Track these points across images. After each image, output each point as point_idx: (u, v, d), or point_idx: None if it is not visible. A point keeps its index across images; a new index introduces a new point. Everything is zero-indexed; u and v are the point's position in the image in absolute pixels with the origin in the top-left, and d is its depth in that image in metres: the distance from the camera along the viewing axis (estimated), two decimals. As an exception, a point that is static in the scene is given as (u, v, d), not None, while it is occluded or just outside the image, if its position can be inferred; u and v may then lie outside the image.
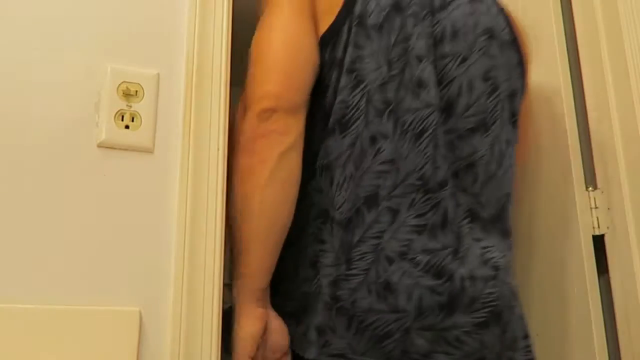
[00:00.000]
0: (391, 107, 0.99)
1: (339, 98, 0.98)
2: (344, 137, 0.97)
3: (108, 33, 0.89)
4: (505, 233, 1.03)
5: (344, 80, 0.98)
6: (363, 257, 0.94)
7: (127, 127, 0.86)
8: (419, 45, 1.02)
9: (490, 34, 1.07)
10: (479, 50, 1.06)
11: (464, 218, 1.00)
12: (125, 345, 0.79)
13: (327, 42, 1.00)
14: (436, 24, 1.05)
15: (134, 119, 0.87)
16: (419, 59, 1.01)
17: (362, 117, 0.98)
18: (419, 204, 0.97)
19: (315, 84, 0.99)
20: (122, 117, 0.86)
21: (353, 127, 0.98)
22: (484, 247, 0.99)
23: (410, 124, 0.99)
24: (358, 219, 0.95)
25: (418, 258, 0.94)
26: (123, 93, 0.87)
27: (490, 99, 1.05)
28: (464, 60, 1.05)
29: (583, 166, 1.15)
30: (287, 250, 0.97)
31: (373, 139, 0.97)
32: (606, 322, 1.09)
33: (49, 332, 0.76)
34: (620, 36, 1.12)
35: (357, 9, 1.00)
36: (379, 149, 0.97)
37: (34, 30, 0.86)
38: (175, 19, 0.93)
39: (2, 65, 0.83)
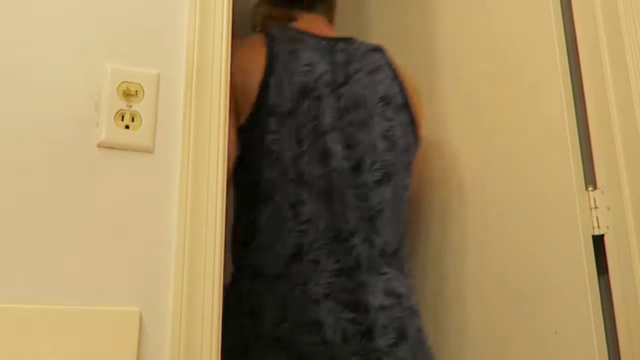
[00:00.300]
0: (304, 177, 1.20)
1: (263, 176, 1.18)
2: (269, 206, 1.18)
3: (108, 33, 0.89)
4: (401, 267, 1.25)
5: (264, 161, 1.19)
6: (296, 303, 1.15)
7: (127, 127, 0.86)
8: (326, 120, 1.24)
9: (386, 100, 1.30)
10: (378, 115, 1.28)
11: (379, 255, 1.22)
12: (125, 345, 0.79)
13: (247, 130, 1.20)
14: (341, 97, 1.27)
15: (134, 119, 0.87)
16: (325, 133, 1.23)
17: (281, 188, 1.19)
18: (336, 252, 1.19)
19: (240, 160, 1.20)
20: (122, 117, 0.86)
21: (275, 197, 1.19)
22: (388, 279, 1.21)
23: (322, 188, 1.20)
24: (287, 272, 1.17)
25: (339, 297, 1.16)
26: (123, 93, 0.87)
27: (390, 154, 1.28)
28: (367, 125, 1.27)
29: (583, 166, 1.15)
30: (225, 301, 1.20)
31: (292, 205, 1.19)
32: (606, 322, 1.09)
33: (49, 332, 0.76)
34: (620, 36, 1.12)
35: (270, 100, 1.20)
36: (298, 213, 1.19)
37: (34, 31, 0.86)
38: (175, 19, 0.93)
39: (2, 66, 0.83)
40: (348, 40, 1.34)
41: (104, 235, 0.82)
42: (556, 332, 1.13)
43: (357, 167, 1.24)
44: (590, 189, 1.14)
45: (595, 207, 1.13)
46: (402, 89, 1.33)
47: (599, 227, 1.12)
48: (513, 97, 1.29)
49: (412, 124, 1.33)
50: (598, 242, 1.12)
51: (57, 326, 0.77)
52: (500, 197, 1.29)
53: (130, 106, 0.87)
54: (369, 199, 1.23)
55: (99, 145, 0.85)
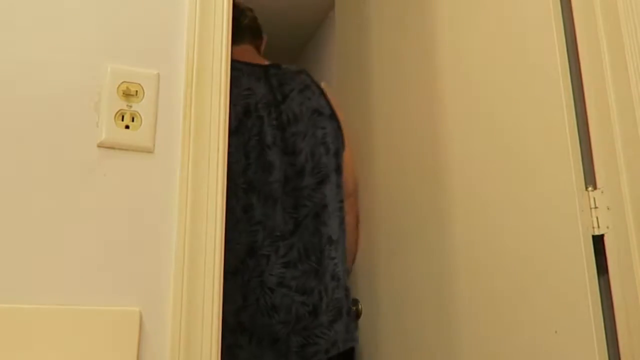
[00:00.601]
0: (253, 184, 1.44)
1: None
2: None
3: (108, 33, 0.89)
4: (343, 252, 1.53)
5: None
6: (254, 292, 1.39)
7: (127, 127, 0.86)
8: (269, 135, 1.49)
9: (318, 112, 1.58)
10: (313, 126, 1.56)
11: (327, 243, 1.48)
12: (125, 345, 0.79)
13: None
14: (281, 113, 1.53)
15: (134, 119, 0.87)
16: (269, 147, 1.48)
17: (233, 195, 1.39)
18: (282, 248, 1.44)
19: None
20: (122, 117, 0.86)
21: (230, 203, 1.36)
22: (335, 264, 1.48)
23: (268, 194, 1.45)
24: (244, 266, 1.39)
25: (290, 284, 1.42)
26: (123, 93, 0.87)
27: (326, 157, 1.55)
28: (305, 135, 1.54)
29: (583, 166, 1.15)
30: None
31: (245, 209, 1.42)
32: (606, 322, 1.09)
33: (49, 332, 0.76)
34: (620, 36, 1.12)
35: None
36: (250, 216, 1.42)
37: (34, 31, 0.86)
38: (175, 19, 0.93)
39: (2, 66, 0.83)
40: (277, 66, 1.62)
41: (104, 236, 0.83)
42: (556, 332, 1.13)
43: (301, 172, 1.51)
44: (590, 189, 1.14)
45: (595, 207, 1.13)
46: (328, 102, 1.62)
47: (599, 227, 1.12)
48: (512, 97, 1.29)
49: (339, 130, 1.61)
50: (598, 242, 1.12)
51: (57, 326, 0.77)
52: (500, 197, 1.29)
53: (130, 106, 0.87)
54: (313, 197, 1.50)
55: (99, 145, 0.85)
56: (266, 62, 1.64)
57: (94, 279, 0.81)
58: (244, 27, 1.68)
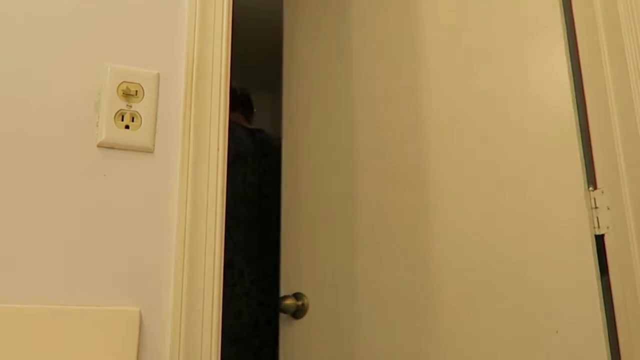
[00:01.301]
0: (235, 212, 1.88)
1: None
2: None
3: (108, 33, 0.89)
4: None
5: None
6: (225, 297, 1.76)
7: (127, 127, 0.86)
8: (249, 179, 1.98)
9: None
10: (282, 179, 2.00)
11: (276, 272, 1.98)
12: (125, 345, 0.79)
13: None
14: (262, 164, 2.03)
15: (134, 119, 0.87)
16: (249, 186, 1.96)
17: None
18: (250, 267, 1.88)
19: None
20: (122, 117, 0.86)
21: None
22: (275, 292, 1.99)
23: (245, 223, 1.90)
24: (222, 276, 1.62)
25: (254, 295, 1.87)
26: (123, 93, 0.87)
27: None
28: (276, 184, 2.01)
29: (583, 166, 1.15)
30: None
31: (228, 230, 1.83)
32: (607, 322, 1.09)
33: (49, 332, 0.76)
34: (620, 36, 1.12)
35: None
36: (231, 236, 1.86)
37: (34, 31, 0.86)
38: (175, 19, 0.93)
39: (2, 66, 0.83)
40: (260, 130, 2.11)
41: (104, 235, 0.83)
42: (557, 332, 1.13)
43: (269, 212, 1.99)
44: (590, 189, 1.14)
45: (596, 207, 1.13)
46: None
47: (599, 227, 1.12)
48: (512, 98, 1.29)
49: None
50: (598, 242, 1.12)
51: (57, 326, 0.77)
52: (500, 197, 1.29)
53: (130, 106, 0.87)
54: (272, 232, 1.96)
55: (99, 145, 0.85)
56: (251, 127, 2.12)
57: (93, 279, 0.81)
58: (238, 99, 2.16)
